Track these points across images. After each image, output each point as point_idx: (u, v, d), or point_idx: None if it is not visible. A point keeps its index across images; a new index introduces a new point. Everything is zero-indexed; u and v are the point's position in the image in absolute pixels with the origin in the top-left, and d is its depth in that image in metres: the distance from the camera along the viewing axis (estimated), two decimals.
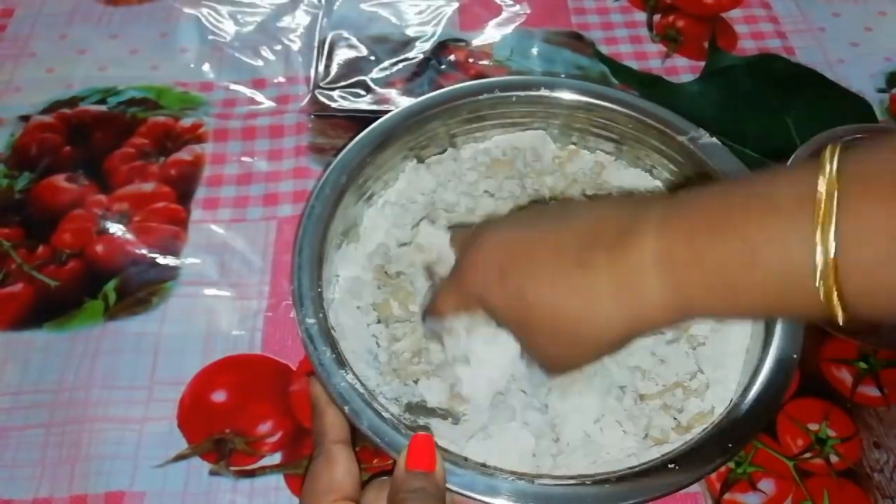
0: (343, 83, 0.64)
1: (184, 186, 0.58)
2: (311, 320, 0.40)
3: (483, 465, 0.37)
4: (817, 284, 0.27)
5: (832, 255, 0.27)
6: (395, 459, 0.35)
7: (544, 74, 0.64)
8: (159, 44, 0.68)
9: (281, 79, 0.65)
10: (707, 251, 0.30)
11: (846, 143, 0.29)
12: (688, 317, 0.33)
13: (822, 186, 0.27)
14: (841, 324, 0.28)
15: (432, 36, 0.68)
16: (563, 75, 0.65)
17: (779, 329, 0.41)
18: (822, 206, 0.27)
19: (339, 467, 0.36)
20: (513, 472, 0.36)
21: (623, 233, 0.32)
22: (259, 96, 0.64)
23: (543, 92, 0.51)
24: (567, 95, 0.51)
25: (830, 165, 0.27)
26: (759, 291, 0.29)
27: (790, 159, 0.53)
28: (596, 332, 0.33)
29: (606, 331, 0.33)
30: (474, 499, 0.35)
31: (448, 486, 0.35)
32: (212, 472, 0.44)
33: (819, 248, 0.27)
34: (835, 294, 0.27)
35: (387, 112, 0.50)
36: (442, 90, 0.51)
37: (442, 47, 0.68)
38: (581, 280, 0.33)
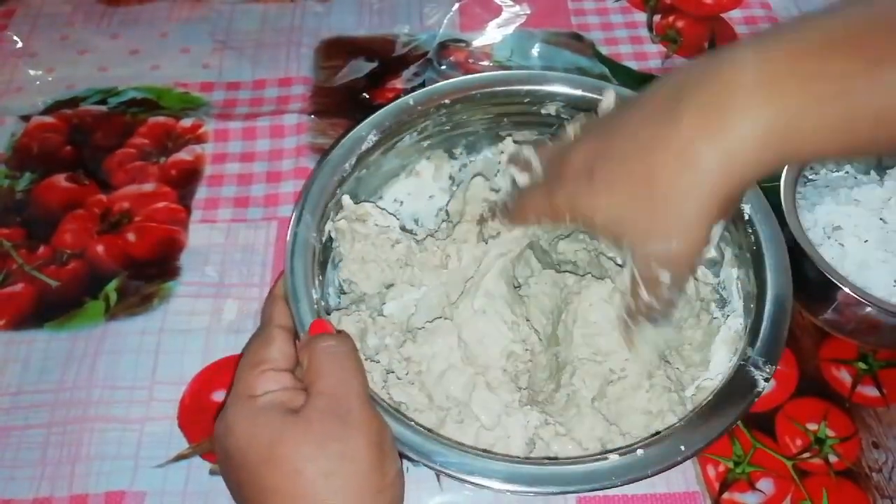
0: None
1: (184, 187, 0.58)
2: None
3: (476, 448, 0.38)
4: None
5: None
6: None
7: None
8: (160, 44, 0.68)
9: (281, 79, 0.65)
10: (822, 70, 0.28)
11: None
12: (789, 154, 0.30)
13: None
14: None
15: (433, 36, 0.69)
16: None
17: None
18: None
19: (275, 345, 0.37)
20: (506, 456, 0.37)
21: (709, 74, 0.31)
22: (259, 96, 0.64)
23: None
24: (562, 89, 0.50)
25: None
26: (875, 118, 0.29)
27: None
28: (695, 183, 0.31)
29: (705, 179, 0.31)
30: (470, 482, 0.35)
31: (447, 471, 0.35)
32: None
33: None
34: None
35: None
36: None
37: (442, 48, 0.68)
38: (669, 132, 0.31)
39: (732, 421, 0.37)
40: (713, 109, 0.30)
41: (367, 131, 0.47)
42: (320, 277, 0.43)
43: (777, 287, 0.41)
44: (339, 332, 0.39)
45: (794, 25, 0.31)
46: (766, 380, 0.38)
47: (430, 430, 0.37)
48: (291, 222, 0.43)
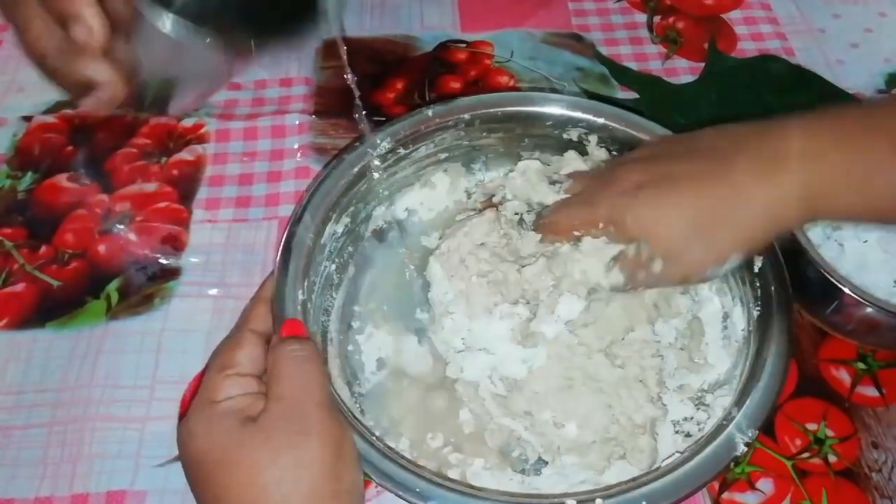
0: None
1: (185, 186, 0.58)
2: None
3: (469, 485, 0.38)
4: None
5: None
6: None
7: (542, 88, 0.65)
8: None
9: (282, 79, 0.65)
10: (853, 147, 0.35)
11: None
12: (821, 213, 0.37)
13: None
14: None
15: (433, 36, 0.69)
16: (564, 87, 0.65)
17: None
18: None
19: (243, 350, 0.37)
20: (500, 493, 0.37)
21: (764, 134, 0.37)
22: (260, 97, 0.64)
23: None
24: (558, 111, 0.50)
25: None
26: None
27: None
28: (739, 216, 0.37)
29: (749, 217, 0.37)
30: None
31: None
32: None
33: None
34: None
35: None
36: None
37: (442, 48, 0.68)
38: (725, 170, 0.37)
39: (701, 486, 0.36)
40: (766, 164, 0.36)
41: (381, 138, 0.48)
42: (312, 278, 0.43)
43: (776, 358, 0.40)
44: (308, 336, 0.39)
45: (837, 109, 0.38)
46: (747, 445, 0.37)
47: (397, 454, 0.37)
48: (290, 220, 0.43)
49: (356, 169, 0.47)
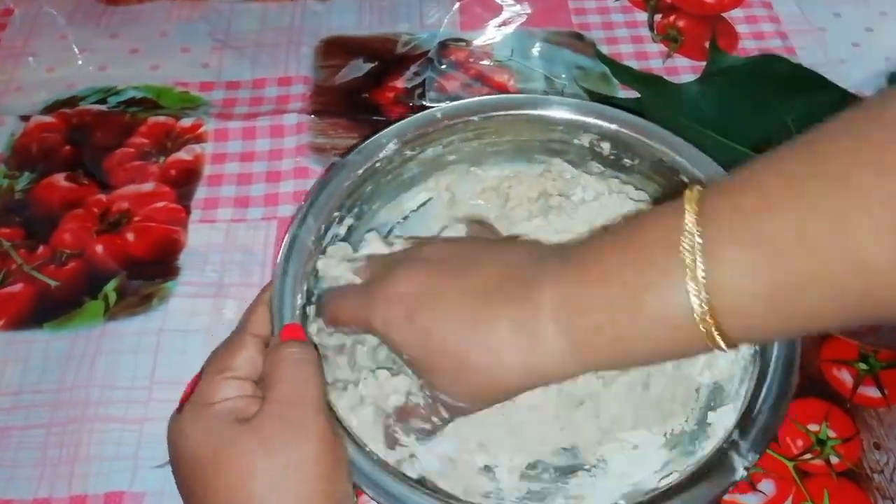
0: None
1: (184, 186, 0.58)
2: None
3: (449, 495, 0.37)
4: (699, 327, 0.28)
5: (705, 301, 0.28)
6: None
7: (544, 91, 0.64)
8: (159, 43, 0.68)
9: (281, 78, 0.65)
10: (594, 301, 0.31)
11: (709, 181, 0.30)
12: (585, 368, 0.33)
13: (685, 236, 0.28)
14: (725, 351, 0.29)
15: (433, 36, 0.68)
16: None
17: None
18: (688, 255, 0.28)
19: (242, 353, 0.37)
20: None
21: (525, 283, 0.33)
22: (259, 96, 0.64)
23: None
24: (557, 114, 0.49)
25: (691, 212, 0.28)
26: (644, 337, 0.30)
27: None
28: (496, 380, 0.34)
29: (505, 379, 0.34)
30: None
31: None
32: None
33: (693, 296, 0.28)
34: (715, 332, 0.28)
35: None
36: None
37: (442, 47, 0.68)
38: (484, 331, 0.33)
39: None
40: (522, 326, 0.33)
41: (387, 139, 0.47)
42: (313, 280, 0.43)
43: (782, 377, 0.39)
44: (308, 341, 0.38)
45: (590, 244, 0.34)
46: (747, 469, 0.36)
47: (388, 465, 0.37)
48: (293, 223, 0.43)
49: (361, 171, 0.46)
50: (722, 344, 0.29)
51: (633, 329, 0.30)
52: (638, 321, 0.30)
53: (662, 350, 0.31)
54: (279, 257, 0.42)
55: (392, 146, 0.47)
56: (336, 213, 0.45)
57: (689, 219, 0.28)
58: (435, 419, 0.38)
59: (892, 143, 0.25)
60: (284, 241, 0.42)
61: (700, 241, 0.28)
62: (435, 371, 0.36)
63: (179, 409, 0.36)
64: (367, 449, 0.37)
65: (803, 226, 0.26)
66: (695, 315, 0.28)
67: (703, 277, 0.27)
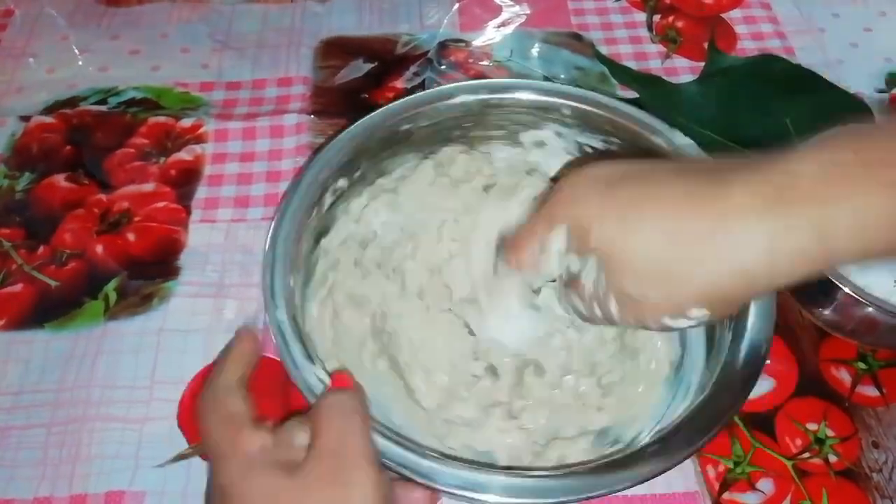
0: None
1: (184, 186, 0.58)
2: (282, 317, 0.40)
3: (470, 461, 0.38)
4: None
5: None
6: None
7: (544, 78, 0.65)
8: (160, 44, 0.68)
9: (281, 79, 0.65)
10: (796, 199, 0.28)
11: None
12: (837, 258, 0.29)
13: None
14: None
15: (433, 36, 0.69)
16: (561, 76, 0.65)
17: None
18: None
19: (235, 400, 0.36)
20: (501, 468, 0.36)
21: (762, 160, 0.29)
22: (259, 96, 0.64)
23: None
24: (535, 97, 0.49)
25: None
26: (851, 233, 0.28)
27: None
28: (719, 258, 0.29)
29: (734, 254, 0.29)
30: (463, 497, 0.35)
31: (438, 486, 0.35)
32: None
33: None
34: None
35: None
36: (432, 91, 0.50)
37: (442, 48, 0.68)
38: (716, 189, 0.29)
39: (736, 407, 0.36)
40: (771, 188, 0.28)
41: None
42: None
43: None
44: (355, 388, 0.37)
45: (850, 132, 0.30)
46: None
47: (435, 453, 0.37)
48: (276, 211, 0.43)
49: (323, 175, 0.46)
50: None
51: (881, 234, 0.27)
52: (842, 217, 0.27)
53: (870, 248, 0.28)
54: (267, 239, 0.42)
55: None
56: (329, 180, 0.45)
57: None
58: (596, 310, 0.34)
59: None
60: (263, 262, 0.42)
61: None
62: (628, 256, 0.31)
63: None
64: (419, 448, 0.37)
65: None
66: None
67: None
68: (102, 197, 0.57)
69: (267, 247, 0.42)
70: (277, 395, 0.47)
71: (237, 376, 0.37)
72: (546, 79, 0.65)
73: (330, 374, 0.37)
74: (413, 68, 0.66)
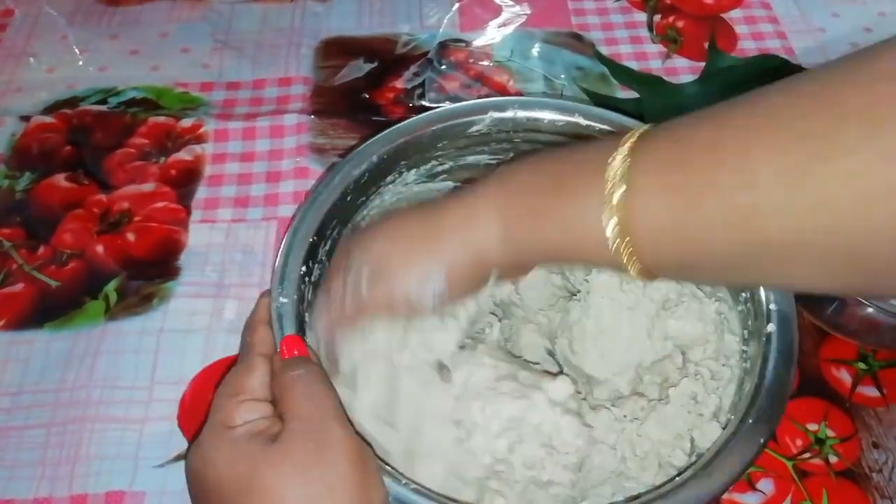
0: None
1: (184, 186, 0.58)
2: (284, 300, 0.39)
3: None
4: (612, 249, 0.32)
5: (615, 224, 0.31)
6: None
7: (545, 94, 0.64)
8: (160, 44, 0.68)
9: (281, 79, 0.65)
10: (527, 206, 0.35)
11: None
12: (517, 257, 0.36)
13: (615, 163, 0.31)
14: (635, 277, 0.33)
15: (433, 36, 0.69)
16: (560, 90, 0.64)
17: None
18: (610, 182, 0.31)
19: (255, 375, 0.36)
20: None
21: (468, 201, 0.37)
22: (259, 96, 0.64)
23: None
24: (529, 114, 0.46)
25: (630, 141, 0.32)
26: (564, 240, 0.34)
27: None
28: (440, 240, 0.37)
29: (447, 241, 0.37)
30: None
31: None
32: None
33: (609, 221, 0.31)
34: (629, 258, 0.32)
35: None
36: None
37: (442, 48, 0.68)
38: (434, 220, 0.37)
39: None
40: (466, 211, 0.36)
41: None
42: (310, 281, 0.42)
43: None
44: (309, 355, 0.38)
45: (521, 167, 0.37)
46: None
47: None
48: (288, 227, 0.42)
49: (357, 171, 0.45)
50: (630, 269, 0.32)
51: (567, 245, 0.34)
52: (575, 242, 0.34)
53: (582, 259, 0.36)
54: (276, 271, 0.41)
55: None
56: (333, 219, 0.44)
57: (625, 148, 0.32)
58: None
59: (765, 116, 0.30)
60: (282, 245, 0.41)
61: (622, 168, 0.31)
62: (375, 246, 0.38)
63: (193, 440, 0.35)
64: (388, 467, 0.36)
65: (713, 176, 0.29)
66: (607, 235, 0.31)
67: (619, 201, 0.31)
68: (102, 197, 0.57)
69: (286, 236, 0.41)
70: None
71: (263, 352, 0.38)
72: (546, 79, 0.65)
73: (280, 341, 0.37)
74: (413, 68, 0.66)
